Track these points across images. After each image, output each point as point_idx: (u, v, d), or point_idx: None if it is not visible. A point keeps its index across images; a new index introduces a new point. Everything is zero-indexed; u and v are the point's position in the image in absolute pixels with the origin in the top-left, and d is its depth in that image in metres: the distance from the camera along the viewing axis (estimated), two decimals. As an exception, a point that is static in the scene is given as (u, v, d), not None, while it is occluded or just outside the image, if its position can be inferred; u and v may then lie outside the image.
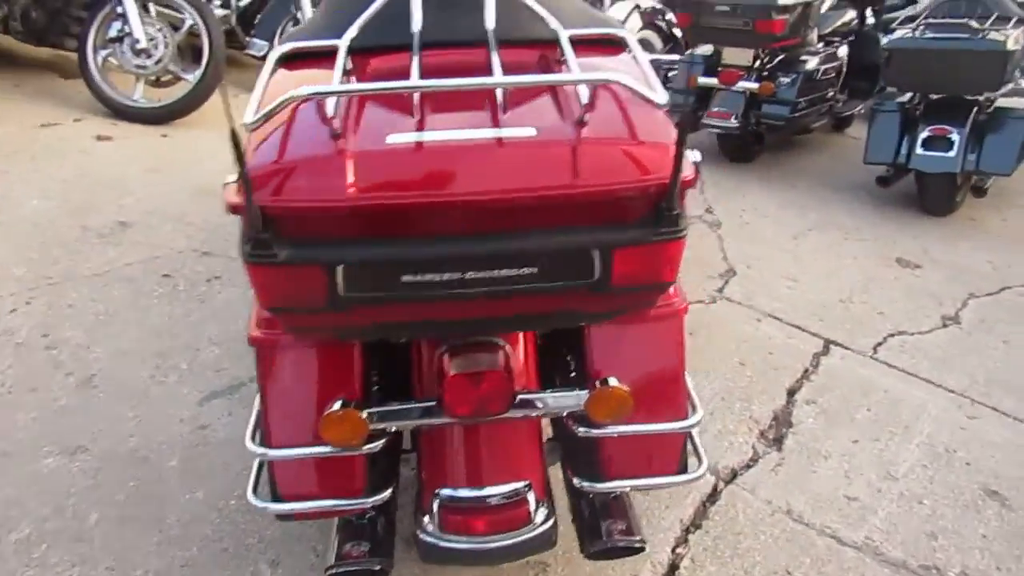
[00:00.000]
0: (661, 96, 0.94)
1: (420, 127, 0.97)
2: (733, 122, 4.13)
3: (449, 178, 0.92)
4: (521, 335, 1.29)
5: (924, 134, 3.71)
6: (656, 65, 4.94)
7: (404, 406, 1.20)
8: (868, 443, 2.17)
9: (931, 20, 3.63)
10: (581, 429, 1.27)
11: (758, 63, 4.16)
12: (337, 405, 1.14)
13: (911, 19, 3.73)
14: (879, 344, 2.70)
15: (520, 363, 1.27)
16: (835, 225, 3.72)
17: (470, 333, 1.16)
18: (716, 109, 4.18)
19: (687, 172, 0.94)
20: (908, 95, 3.92)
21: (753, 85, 4.07)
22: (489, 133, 0.95)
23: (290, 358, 1.24)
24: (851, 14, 4.81)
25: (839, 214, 3.85)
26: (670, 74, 4.60)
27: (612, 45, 1.21)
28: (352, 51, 1.12)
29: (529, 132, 0.95)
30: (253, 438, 1.26)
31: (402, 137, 0.94)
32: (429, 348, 1.27)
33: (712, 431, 2.16)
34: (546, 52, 1.16)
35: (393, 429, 1.23)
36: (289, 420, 1.24)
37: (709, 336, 2.65)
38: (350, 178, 0.90)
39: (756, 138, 4.31)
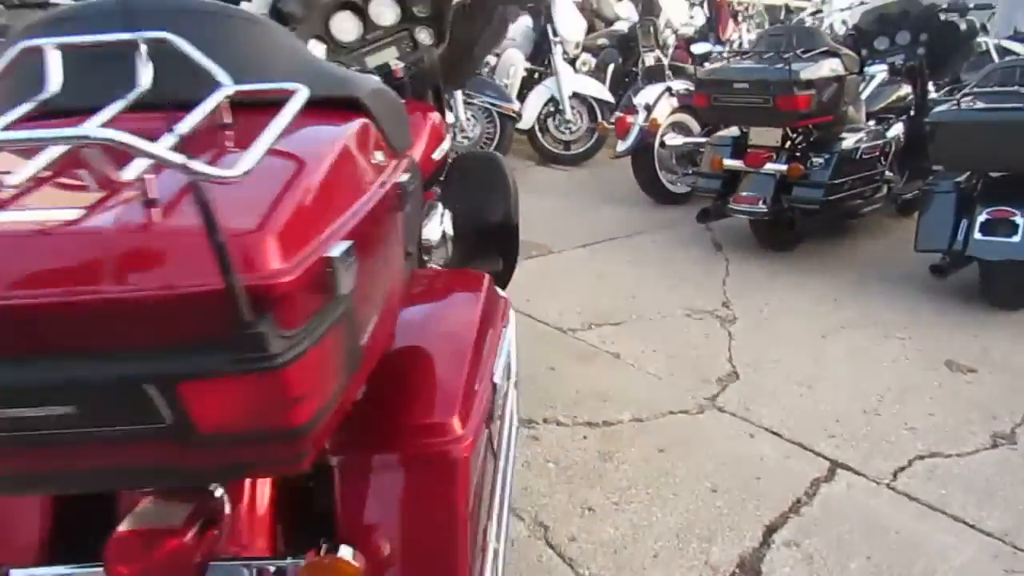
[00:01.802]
0: (238, 170, 0.65)
1: None
2: (761, 207, 3.74)
3: None
4: (248, 482, 0.99)
5: (983, 217, 3.22)
6: (687, 149, 4.66)
7: (58, 570, 0.92)
8: (857, 604, 1.69)
9: (980, 89, 3.18)
10: None
11: (788, 143, 3.79)
12: None
13: (956, 90, 3.30)
14: (901, 469, 2.20)
15: (240, 517, 0.97)
16: (875, 322, 3.22)
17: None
18: (744, 194, 3.81)
19: (285, 270, 0.65)
20: (965, 174, 3.45)
21: (782, 167, 3.69)
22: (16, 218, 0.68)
23: None
24: (906, 89, 4.38)
25: (883, 309, 3.35)
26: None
27: (337, 107, 0.94)
28: None
29: (67, 216, 0.67)
30: None
31: None
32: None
33: (648, 580, 1.74)
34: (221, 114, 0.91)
35: None
36: None
37: (683, 454, 2.22)
38: None
39: (791, 224, 3.90)
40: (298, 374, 0.68)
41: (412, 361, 1.10)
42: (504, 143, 5.21)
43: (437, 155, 1.95)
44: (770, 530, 1.93)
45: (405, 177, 0.93)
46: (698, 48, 5.50)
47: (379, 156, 0.92)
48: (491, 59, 6.01)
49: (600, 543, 1.86)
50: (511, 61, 5.79)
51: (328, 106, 0.94)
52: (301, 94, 0.81)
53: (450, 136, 2.10)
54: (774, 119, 3.64)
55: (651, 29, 5.16)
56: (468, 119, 5.15)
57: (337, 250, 0.71)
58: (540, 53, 5.90)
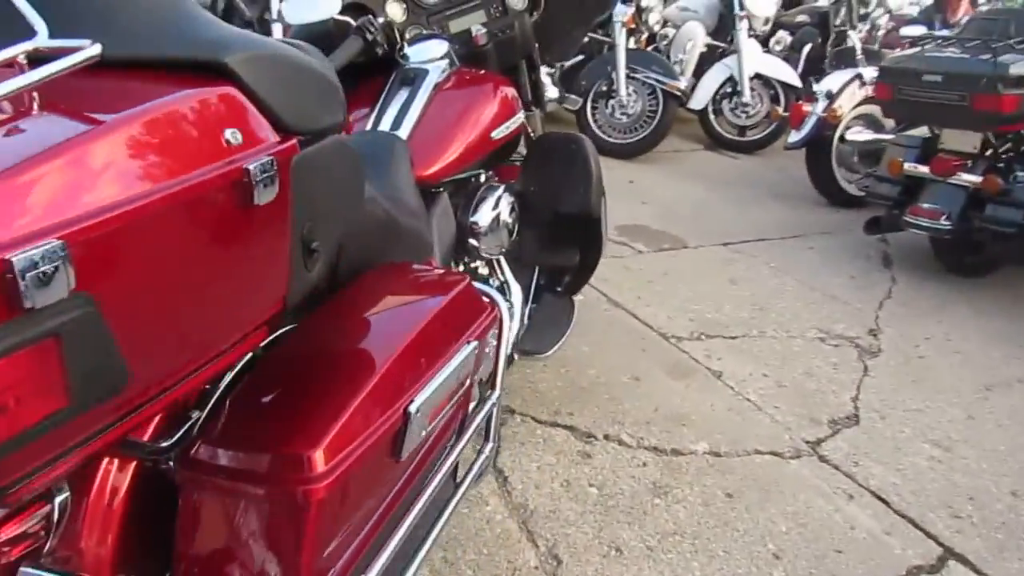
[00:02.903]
0: None
1: None
2: (944, 223, 3.16)
3: None
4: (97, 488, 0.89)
5: None
6: (874, 147, 4.06)
7: None
8: None
9: None
10: None
11: (990, 151, 3.15)
12: None
13: None
14: (1039, 576, 1.74)
15: (78, 527, 0.87)
16: (1065, 380, 2.61)
17: None
18: (924, 205, 3.23)
19: None
20: None
21: (976, 178, 3.08)
22: None
23: None
24: None
25: (1080, 365, 2.71)
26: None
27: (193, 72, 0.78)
28: None
29: None
30: None
31: None
32: None
33: (654, 652, 1.49)
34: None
35: None
36: None
37: (754, 504, 1.90)
38: None
39: (978, 247, 3.27)
40: None
41: (304, 373, 0.95)
42: (665, 122, 4.85)
43: (498, 133, 1.76)
44: (832, 622, 1.59)
45: (258, 162, 0.76)
46: (911, 30, 4.75)
47: (231, 134, 0.75)
48: (668, 32, 5.61)
49: (615, 594, 1.62)
50: (689, 35, 5.36)
51: (188, 71, 0.78)
52: (80, 54, 0.66)
53: (523, 112, 1.90)
54: (970, 121, 3.03)
55: (851, 4, 4.52)
56: (629, 95, 4.84)
57: (25, 254, 0.56)
58: (724, 28, 5.41)
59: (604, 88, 4.91)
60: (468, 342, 1.12)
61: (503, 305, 1.29)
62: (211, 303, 0.76)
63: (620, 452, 2.05)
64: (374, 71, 1.85)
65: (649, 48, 5.53)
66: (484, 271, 1.96)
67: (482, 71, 1.90)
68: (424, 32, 1.91)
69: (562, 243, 2.11)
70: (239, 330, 0.82)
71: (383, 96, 1.75)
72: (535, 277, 2.13)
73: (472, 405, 1.32)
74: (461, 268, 1.89)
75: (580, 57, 5.37)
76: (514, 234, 1.89)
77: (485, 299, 1.25)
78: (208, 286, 0.75)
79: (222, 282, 0.77)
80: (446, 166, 1.65)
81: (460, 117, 1.71)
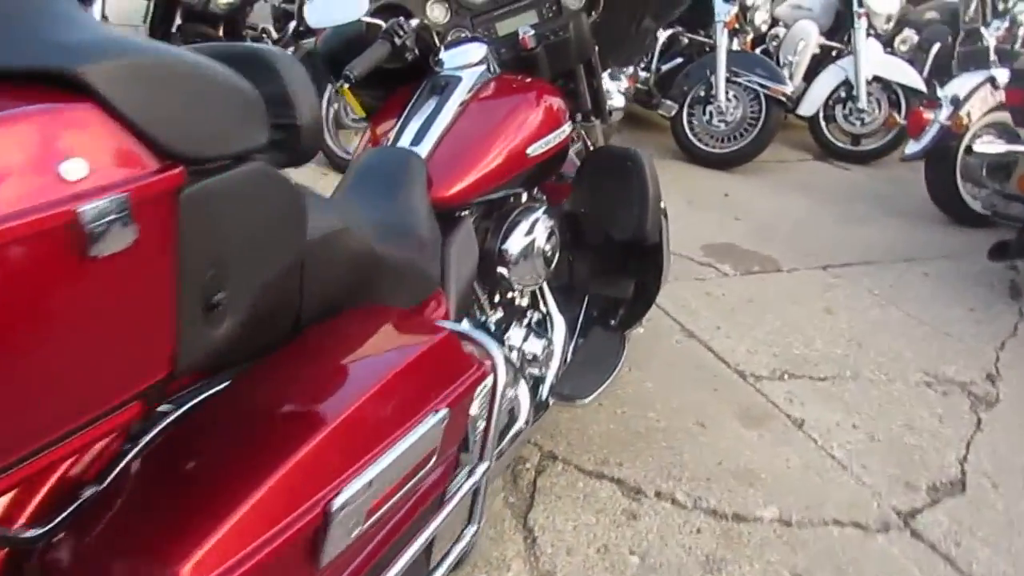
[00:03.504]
0: None
1: None
2: (1087, 252, 2.71)
3: None
4: None
5: None
6: (1008, 159, 3.57)
7: None
8: None
9: None
10: None
11: None
12: None
13: None
14: None
15: None
16: None
17: None
18: (1063, 230, 2.80)
19: None
20: None
21: None
22: None
23: None
24: None
25: None
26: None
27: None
28: None
29: None
30: None
31: None
32: None
33: None
34: None
35: None
36: None
37: (826, 590, 1.61)
38: None
39: None
40: None
41: (206, 453, 0.78)
42: (767, 130, 4.45)
43: (535, 149, 1.56)
44: None
45: (101, 202, 0.59)
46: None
47: (69, 166, 0.59)
48: (778, 31, 5.20)
49: None
50: (801, 34, 4.93)
51: (41, 86, 0.63)
52: None
53: (570, 125, 1.68)
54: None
55: (985, -1, 3.98)
56: (728, 100, 4.49)
57: None
58: (841, 27, 4.94)
59: (702, 93, 4.57)
60: (435, 411, 0.92)
61: (499, 359, 1.09)
62: (35, 378, 0.61)
63: (672, 514, 1.80)
64: (414, 79, 1.69)
65: (756, 50, 5.13)
66: (524, 302, 1.77)
67: (526, 78, 1.70)
68: (465, 35, 1.73)
69: (615, 272, 1.88)
70: (95, 406, 0.66)
71: (408, 107, 1.58)
72: (583, 309, 1.92)
73: (464, 472, 1.13)
74: (497, 299, 1.70)
75: (678, 60, 5.05)
76: (552, 263, 1.68)
77: (475, 354, 1.05)
78: (27, 357, 0.59)
79: (50, 351, 0.61)
80: (470, 187, 1.46)
81: (490, 131, 1.51)
